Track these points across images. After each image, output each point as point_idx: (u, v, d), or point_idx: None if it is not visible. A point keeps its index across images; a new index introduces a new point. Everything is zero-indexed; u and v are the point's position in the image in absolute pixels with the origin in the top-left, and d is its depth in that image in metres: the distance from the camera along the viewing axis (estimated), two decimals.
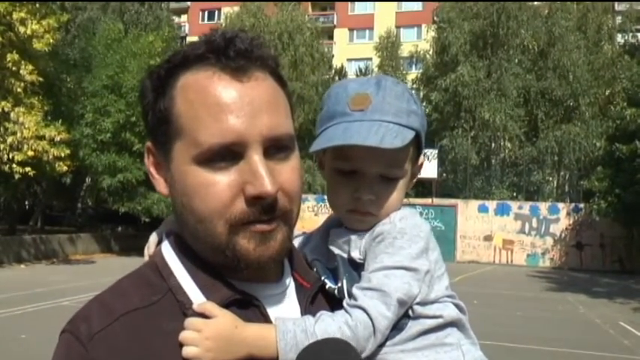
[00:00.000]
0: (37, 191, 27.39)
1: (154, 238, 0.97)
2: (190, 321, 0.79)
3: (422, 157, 1.06)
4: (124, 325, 0.80)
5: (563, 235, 26.08)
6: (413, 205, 26.99)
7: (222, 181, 0.80)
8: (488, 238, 26.83)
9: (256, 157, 0.80)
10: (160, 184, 0.89)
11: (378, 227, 0.97)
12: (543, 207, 26.81)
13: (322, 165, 1.05)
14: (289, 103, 0.90)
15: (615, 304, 14.85)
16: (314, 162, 17.56)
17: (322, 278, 0.96)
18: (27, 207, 31.52)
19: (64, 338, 0.82)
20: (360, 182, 0.97)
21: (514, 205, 27.06)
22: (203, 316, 0.80)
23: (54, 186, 25.77)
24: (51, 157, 17.27)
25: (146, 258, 0.94)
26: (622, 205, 21.06)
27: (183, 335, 0.79)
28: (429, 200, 27.57)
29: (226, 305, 0.82)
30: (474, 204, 27.36)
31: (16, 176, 17.09)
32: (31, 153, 16.72)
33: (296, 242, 1.04)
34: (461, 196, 28.74)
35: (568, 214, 26.14)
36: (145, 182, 21.33)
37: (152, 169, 0.90)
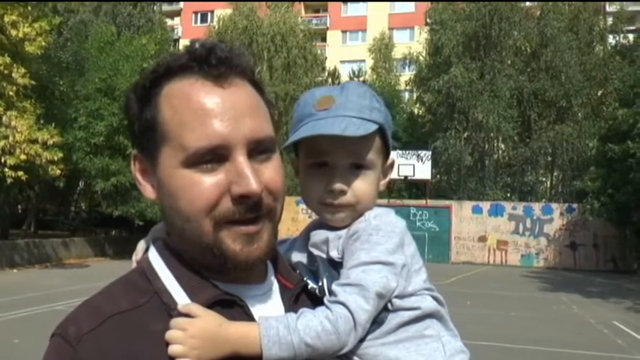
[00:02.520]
0: (30, 195, 27.24)
1: (141, 245, 1.00)
2: (176, 321, 0.82)
3: (391, 156, 1.09)
4: (112, 327, 0.82)
5: (556, 235, 26.19)
6: (407, 207, 27.07)
7: (208, 181, 0.84)
8: (482, 238, 26.91)
9: (241, 158, 0.84)
10: (147, 190, 0.92)
11: (354, 226, 1.00)
12: (537, 207, 26.92)
13: (297, 170, 1.08)
14: (269, 109, 0.94)
15: (609, 304, 14.92)
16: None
17: (304, 279, 0.99)
18: (20, 211, 31.33)
19: (53, 341, 0.84)
20: (331, 174, 1.01)
21: (508, 206, 27.15)
22: (188, 316, 0.82)
23: (47, 190, 25.65)
24: (44, 160, 17.18)
25: (134, 264, 0.97)
26: (615, 205, 21.17)
27: (169, 334, 0.81)
28: (423, 202, 27.62)
29: (211, 306, 0.85)
30: (468, 205, 27.43)
31: (9, 180, 16.99)
32: (23, 157, 16.63)
33: (281, 247, 1.07)
34: (455, 198, 28.81)
35: (561, 214, 26.26)
36: None
37: (138, 176, 0.93)
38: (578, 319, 12.29)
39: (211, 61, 0.86)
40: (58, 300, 11.82)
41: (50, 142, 17.33)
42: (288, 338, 0.84)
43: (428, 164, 26.99)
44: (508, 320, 11.77)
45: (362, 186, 1.01)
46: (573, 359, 8.69)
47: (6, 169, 16.57)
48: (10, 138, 16.51)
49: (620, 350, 9.30)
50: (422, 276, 1.01)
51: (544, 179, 32.71)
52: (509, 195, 30.36)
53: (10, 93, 16.86)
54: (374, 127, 0.99)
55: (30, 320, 9.98)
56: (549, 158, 31.24)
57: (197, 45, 0.88)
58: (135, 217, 22.25)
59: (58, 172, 18.06)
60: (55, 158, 17.41)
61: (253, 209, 0.84)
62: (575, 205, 26.01)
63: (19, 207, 31.59)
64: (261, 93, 0.93)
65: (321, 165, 1.01)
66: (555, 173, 32.48)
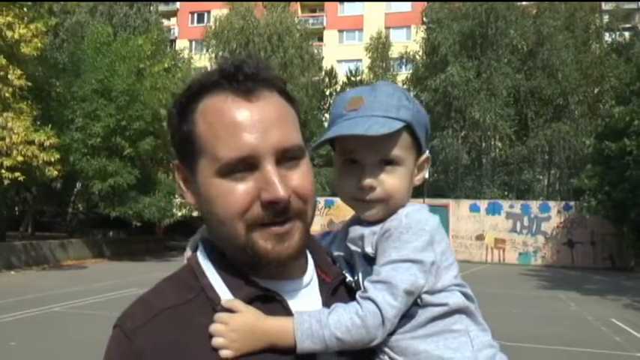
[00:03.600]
0: (27, 197, 27.19)
1: (190, 244, 1.08)
2: (218, 315, 0.91)
3: (425, 152, 1.13)
4: (163, 320, 0.92)
5: (554, 233, 26.23)
6: None
7: (240, 189, 0.92)
8: (480, 237, 26.95)
9: (269, 167, 0.92)
10: (188, 196, 1.02)
11: (387, 224, 1.04)
12: (534, 205, 26.96)
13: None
14: (298, 117, 1.02)
15: (607, 301, 14.96)
16: (316, 166, 17.61)
17: (343, 272, 1.06)
18: (17, 213, 31.27)
19: (114, 333, 0.94)
20: (361, 171, 1.05)
21: (505, 204, 27.19)
22: (230, 311, 0.91)
23: (44, 191, 25.61)
24: (41, 162, 17.15)
25: (184, 262, 1.06)
26: (612, 203, 21.22)
27: (212, 327, 0.90)
28: (420, 201, 27.57)
29: (251, 301, 0.94)
30: (466, 204, 27.47)
31: (6, 182, 16.96)
32: (20, 158, 16.59)
33: (325, 240, 1.16)
34: (452, 196, 28.84)
35: (559, 212, 26.30)
36: (136, 186, 21.24)
37: (181, 184, 1.03)
38: (576, 317, 12.31)
39: (239, 78, 0.94)
40: (56, 302, 11.80)
41: (47, 143, 17.30)
42: (320, 332, 0.91)
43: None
44: (506, 318, 11.78)
45: (392, 181, 1.05)
46: (571, 357, 8.71)
47: (3, 171, 16.54)
48: (7, 139, 16.47)
49: (618, 347, 9.32)
50: (452, 272, 1.05)
51: (541, 177, 32.76)
52: (506, 193, 30.40)
53: (7, 94, 16.83)
54: (399, 124, 1.03)
55: (27, 322, 9.96)
56: (546, 156, 31.29)
57: (228, 63, 0.96)
58: (132, 219, 22.22)
59: (55, 173, 18.04)
60: (52, 159, 17.39)
61: (281, 213, 0.92)
62: (572, 203, 26.05)
63: (17, 209, 31.53)
64: (290, 102, 1.01)
65: (353, 162, 1.06)
66: (552, 171, 32.54)
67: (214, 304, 0.93)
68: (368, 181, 1.04)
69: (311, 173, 0.98)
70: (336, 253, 1.11)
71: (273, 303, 0.96)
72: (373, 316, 0.94)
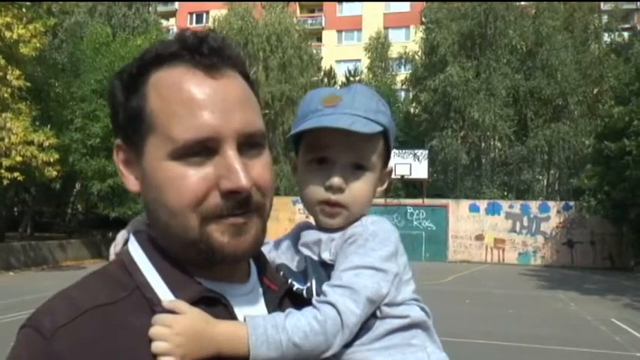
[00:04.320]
0: (26, 197, 27.15)
1: (121, 237, 0.97)
2: (160, 317, 0.79)
3: (390, 164, 1.10)
4: (91, 320, 0.78)
5: (553, 233, 26.23)
6: (404, 206, 27.10)
7: (196, 175, 0.81)
8: (479, 237, 26.94)
9: (231, 152, 0.81)
10: (130, 181, 0.89)
11: (350, 229, 0.99)
12: (534, 206, 26.96)
13: (295, 168, 1.08)
14: (258, 102, 0.91)
15: (606, 301, 14.95)
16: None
17: (289, 281, 0.98)
18: (16, 213, 31.22)
19: (24, 333, 0.79)
20: (330, 170, 1.00)
21: (505, 205, 27.19)
22: (172, 312, 0.80)
23: (43, 192, 25.59)
24: (40, 162, 17.14)
25: (112, 257, 0.95)
26: (611, 203, 21.23)
27: (154, 330, 0.78)
28: (419, 201, 27.63)
29: (195, 303, 0.82)
30: (465, 204, 27.46)
31: (5, 182, 16.93)
32: (19, 158, 16.58)
33: (264, 249, 1.04)
34: (452, 196, 28.83)
35: (558, 212, 26.30)
36: None
37: (121, 166, 0.90)
38: (575, 317, 12.31)
39: (203, 51, 0.83)
40: None
41: (46, 143, 17.30)
42: (277, 337, 0.83)
43: (424, 163, 27.00)
44: (506, 318, 11.78)
45: (360, 187, 1.01)
46: (571, 356, 8.71)
47: (2, 171, 16.52)
48: (6, 140, 16.46)
49: (618, 347, 9.31)
50: (411, 287, 1.01)
51: (541, 177, 32.77)
52: (506, 193, 30.39)
53: (5, 95, 16.82)
54: (379, 128, 0.99)
55: None
56: (546, 156, 31.29)
57: (188, 34, 0.86)
58: (132, 219, 22.18)
59: (54, 173, 18.03)
60: (51, 160, 17.38)
61: (242, 205, 0.82)
62: (572, 203, 26.06)
63: (15, 209, 31.49)
64: (251, 85, 0.91)
65: (321, 162, 1.01)
66: (552, 171, 32.54)
67: (153, 305, 0.81)
68: (337, 181, 0.99)
69: (271, 165, 0.89)
70: (278, 262, 1.03)
71: (218, 307, 0.85)
72: (333, 322, 0.87)
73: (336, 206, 1.00)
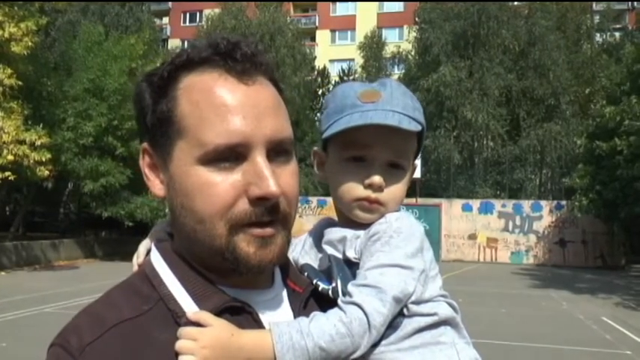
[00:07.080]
0: (18, 197, 27.01)
1: (143, 247, 0.96)
2: (186, 330, 0.78)
3: (417, 160, 1.09)
4: (116, 336, 0.78)
5: (546, 232, 26.36)
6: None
7: (225, 181, 0.80)
8: (472, 236, 27.03)
9: (260, 159, 0.81)
10: (155, 186, 0.88)
11: (374, 227, 0.98)
12: (526, 205, 27.07)
13: (322, 163, 1.06)
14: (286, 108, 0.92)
15: (598, 300, 15.05)
16: (306, 165, 17.54)
17: (314, 281, 0.96)
18: (8, 213, 31.05)
19: (53, 352, 0.79)
20: (369, 169, 0.99)
21: (497, 204, 27.29)
22: (197, 324, 0.79)
23: (35, 191, 25.43)
24: (32, 161, 17.02)
25: (135, 268, 0.93)
26: (603, 202, 21.33)
27: (180, 344, 0.77)
28: (412, 200, 27.67)
29: (219, 313, 0.82)
30: (458, 203, 27.55)
31: None
32: (10, 157, 16.47)
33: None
34: (445, 196, 28.91)
35: (550, 211, 26.43)
36: (128, 186, 21.14)
37: (147, 170, 0.89)
38: (567, 315, 12.38)
39: (236, 57, 0.83)
40: (47, 302, 11.72)
41: (38, 143, 17.18)
42: (302, 343, 0.82)
43: (418, 163, 26.92)
44: (498, 317, 11.83)
45: (397, 186, 1.00)
46: (563, 355, 8.77)
47: None
48: None
49: (608, 345, 9.38)
50: (438, 282, 1.00)
51: (533, 177, 32.91)
52: (498, 193, 30.51)
53: None
54: (419, 126, 0.99)
55: (18, 323, 9.89)
56: (538, 156, 31.43)
57: (221, 39, 0.85)
58: (124, 219, 22.09)
59: (47, 173, 17.91)
60: (44, 159, 17.27)
61: (270, 212, 0.81)
62: (563, 202, 26.19)
63: (7, 209, 31.31)
64: (280, 92, 0.91)
65: (357, 160, 0.99)
66: (544, 171, 32.69)
67: (177, 317, 0.81)
68: (378, 180, 0.97)
69: (298, 174, 0.88)
70: (301, 262, 1.02)
71: (243, 315, 0.84)
72: (359, 323, 0.85)
73: (375, 203, 0.99)
